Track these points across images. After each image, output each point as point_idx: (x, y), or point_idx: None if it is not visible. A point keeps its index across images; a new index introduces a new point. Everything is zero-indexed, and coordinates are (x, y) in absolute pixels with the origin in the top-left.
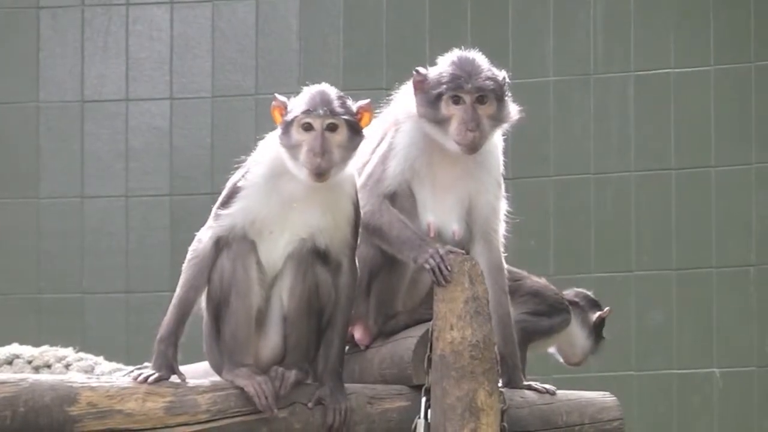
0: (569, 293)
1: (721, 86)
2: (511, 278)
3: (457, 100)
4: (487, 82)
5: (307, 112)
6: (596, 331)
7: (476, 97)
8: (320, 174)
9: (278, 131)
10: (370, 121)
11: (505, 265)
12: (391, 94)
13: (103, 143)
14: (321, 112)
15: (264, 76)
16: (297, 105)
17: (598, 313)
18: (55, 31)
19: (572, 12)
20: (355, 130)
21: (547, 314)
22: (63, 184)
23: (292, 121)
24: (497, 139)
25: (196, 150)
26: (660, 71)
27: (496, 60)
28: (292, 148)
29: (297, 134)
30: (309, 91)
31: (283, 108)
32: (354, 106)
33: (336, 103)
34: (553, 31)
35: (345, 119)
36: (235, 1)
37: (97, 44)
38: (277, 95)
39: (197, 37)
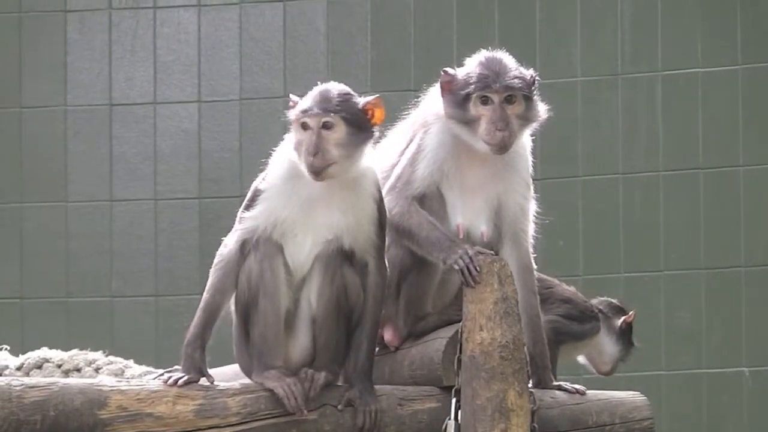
0: (593, 302)
1: (749, 85)
2: (543, 286)
3: (485, 101)
4: (515, 81)
5: (303, 112)
6: (624, 336)
7: (504, 96)
8: (316, 173)
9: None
10: (381, 116)
11: (535, 266)
12: (419, 96)
13: (131, 146)
14: (315, 110)
15: (292, 79)
16: (299, 105)
17: (622, 318)
18: (82, 35)
19: (600, 12)
20: (358, 127)
21: (579, 320)
22: (91, 188)
23: (294, 121)
24: (526, 140)
25: (224, 153)
26: (688, 71)
27: (523, 60)
28: (297, 148)
29: (298, 134)
30: (312, 91)
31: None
32: (359, 102)
33: (334, 101)
34: (581, 30)
35: (342, 117)
36: (263, 4)
37: (124, 47)
38: (291, 96)
39: (225, 39)
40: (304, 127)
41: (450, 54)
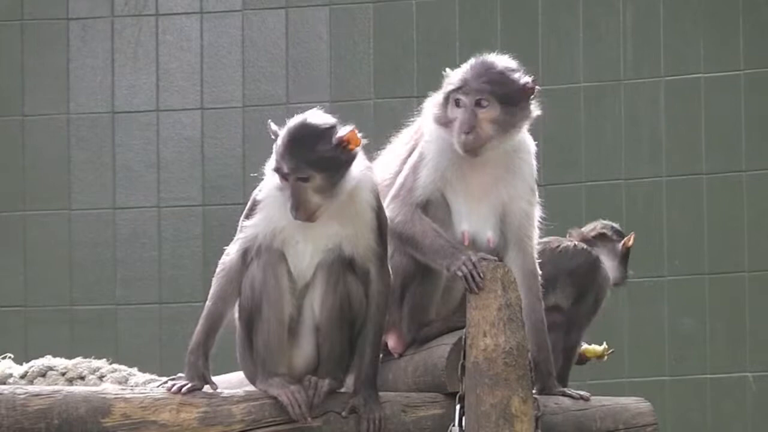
0: (596, 226)
1: (752, 90)
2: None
3: (457, 103)
4: (486, 85)
5: (277, 168)
6: (623, 261)
7: (474, 100)
8: (304, 221)
9: None
10: (357, 142)
11: (540, 272)
12: (422, 102)
13: (134, 154)
14: (285, 170)
15: (295, 85)
16: (273, 157)
17: (622, 242)
18: (84, 43)
19: (602, 18)
20: (335, 169)
21: (591, 286)
22: (94, 196)
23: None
24: (530, 145)
25: (227, 160)
26: (690, 76)
27: (526, 66)
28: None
29: (281, 183)
30: (284, 133)
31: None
32: (332, 142)
33: (305, 155)
34: (583, 37)
35: (315, 169)
36: (265, 11)
37: (127, 55)
38: (271, 125)
39: (227, 46)
40: (282, 178)
41: (453, 61)
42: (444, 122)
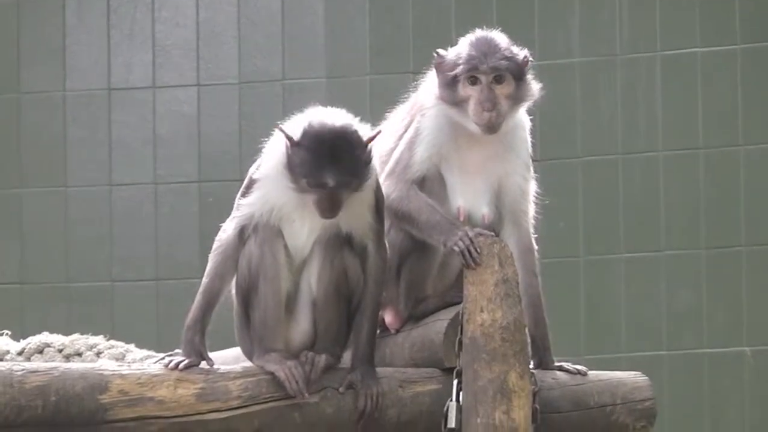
0: None
1: (748, 65)
2: None
3: (474, 81)
4: (503, 61)
5: (318, 182)
6: None
7: (493, 77)
8: (333, 218)
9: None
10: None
11: (536, 247)
12: (418, 79)
13: (130, 131)
14: (332, 183)
15: (291, 62)
16: (307, 175)
17: None
18: (80, 20)
19: None
20: (368, 170)
21: None
22: (91, 173)
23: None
24: (524, 120)
25: (223, 136)
26: (687, 51)
27: (521, 41)
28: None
29: (311, 193)
30: (324, 142)
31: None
32: (364, 145)
33: (348, 167)
34: (579, 11)
35: (356, 183)
36: None
37: (123, 32)
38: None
39: (223, 23)
40: (316, 188)
41: (449, 36)
42: (456, 101)
